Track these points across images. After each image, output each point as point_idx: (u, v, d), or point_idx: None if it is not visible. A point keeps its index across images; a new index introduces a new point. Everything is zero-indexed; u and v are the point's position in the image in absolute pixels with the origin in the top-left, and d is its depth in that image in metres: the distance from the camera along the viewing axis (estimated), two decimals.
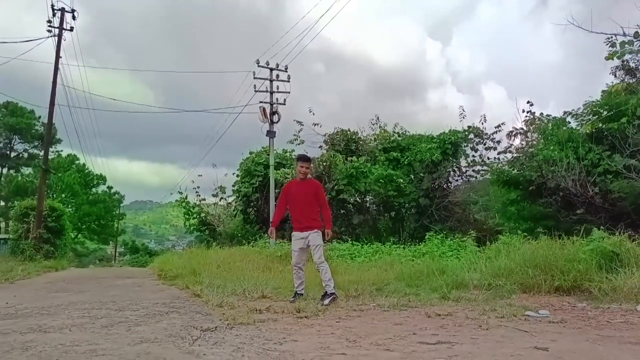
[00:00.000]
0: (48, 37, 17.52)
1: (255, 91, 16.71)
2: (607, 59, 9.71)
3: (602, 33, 10.01)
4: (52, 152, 49.99)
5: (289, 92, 16.94)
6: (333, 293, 5.78)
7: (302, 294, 5.96)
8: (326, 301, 5.56)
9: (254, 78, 16.79)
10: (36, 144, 53.91)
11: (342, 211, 17.90)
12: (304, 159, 6.40)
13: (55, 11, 17.65)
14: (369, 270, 8.43)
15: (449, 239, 11.04)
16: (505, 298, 5.76)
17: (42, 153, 52.71)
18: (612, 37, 10.01)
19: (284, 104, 16.86)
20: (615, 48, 9.30)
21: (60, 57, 17.63)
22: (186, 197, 24.67)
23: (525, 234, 8.49)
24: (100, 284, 8.74)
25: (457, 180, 18.74)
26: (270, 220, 16.27)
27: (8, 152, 53.13)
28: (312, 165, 6.65)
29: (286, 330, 4.09)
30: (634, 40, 9.36)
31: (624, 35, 9.48)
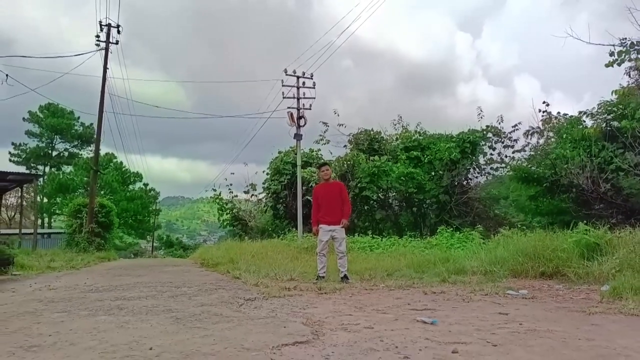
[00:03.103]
0: (96, 50, 19.30)
1: (284, 97, 18.00)
2: (606, 66, 10.51)
3: (599, 44, 10.80)
4: (91, 150, 52.84)
5: (314, 98, 18.17)
6: (346, 275, 7.14)
7: (323, 277, 7.13)
8: (348, 280, 6.99)
9: (282, 86, 18.07)
10: (76, 143, 56.90)
11: (365, 207, 18.94)
12: (322, 164, 7.69)
13: (103, 27, 19.42)
14: (384, 259, 9.53)
15: (459, 233, 11.96)
16: (497, 281, 6.75)
17: (81, 152, 55.69)
18: (625, 41, 10.76)
19: (310, 109, 18.09)
20: (614, 57, 10.12)
21: (108, 69, 19.38)
22: (220, 194, 26.15)
23: (524, 227, 9.36)
24: (153, 271, 10.16)
25: (476, 177, 19.51)
26: (298, 218, 17.50)
27: (50, 152, 56.28)
28: (330, 167, 7.89)
29: (309, 301, 5.25)
30: (630, 50, 10.14)
31: (621, 45, 10.26)
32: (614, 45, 9.79)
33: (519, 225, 10.27)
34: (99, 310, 4.56)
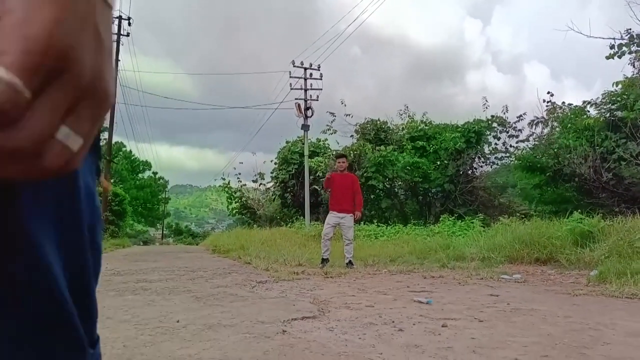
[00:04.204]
0: None
1: (291, 89, 18.38)
2: (607, 58, 10.77)
3: (599, 37, 11.02)
4: (102, 139, 53.56)
5: (321, 89, 18.55)
6: (351, 261, 7.56)
7: (328, 259, 7.57)
8: (353, 266, 7.43)
9: (290, 77, 18.45)
10: None
11: (371, 196, 19.29)
12: (341, 155, 8.23)
13: (113, 19, 19.63)
14: (388, 246, 9.94)
15: (460, 221, 12.32)
16: (493, 267, 7.14)
17: None
18: (628, 32, 10.99)
19: (317, 100, 18.46)
20: (614, 50, 10.37)
21: (119, 61, 19.79)
22: (229, 183, 26.65)
23: (523, 216, 9.71)
24: (168, 257, 10.66)
25: (481, 167, 19.78)
26: (305, 206, 17.96)
27: None
28: (347, 159, 8.39)
29: (316, 284, 5.68)
30: (630, 43, 10.38)
31: (622, 38, 10.50)
32: (614, 39, 10.04)
33: (518, 214, 10.61)
34: (125, 290, 5.02)
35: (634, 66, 16.74)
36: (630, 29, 11.41)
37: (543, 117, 17.65)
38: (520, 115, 18.38)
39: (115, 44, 20.50)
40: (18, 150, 0.29)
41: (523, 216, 9.37)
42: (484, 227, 10.32)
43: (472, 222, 11.35)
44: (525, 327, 3.48)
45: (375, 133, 20.42)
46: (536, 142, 17.58)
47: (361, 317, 3.76)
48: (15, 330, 0.39)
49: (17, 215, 0.38)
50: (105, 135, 21.09)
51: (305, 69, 18.46)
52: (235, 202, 26.19)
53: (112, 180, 51.48)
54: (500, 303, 4.44)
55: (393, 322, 3.60)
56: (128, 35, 20.68)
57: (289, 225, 17.56)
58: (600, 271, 5.59)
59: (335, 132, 21.37)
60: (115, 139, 54.48)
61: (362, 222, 15.75)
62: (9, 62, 0.28)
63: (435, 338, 3.15)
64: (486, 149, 19.03)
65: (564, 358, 2.71)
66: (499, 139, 18.94)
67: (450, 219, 12.85)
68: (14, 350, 0.39)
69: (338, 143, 21.71)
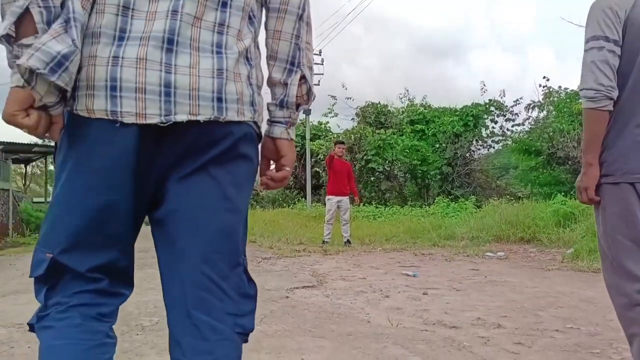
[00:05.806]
0: None
1: None
2: None
3: None
4: None
5: (323, 74, 18.94)
6: (349, 240, 8.10)
7: (328, 242, 8.14)
8: (350, 244, 7.97)
9: None
10: None
11: (371, 178, 19.82)
12: (340, 142, 8.81)
13: None
14: (385, 227, 10.50)
15: (454, 203, 12.86)
16: (480, 245, 7.69)
17: None
18: None
19: (318, 85, 18.83)
20: None
21: None
22: None
23: (512, 198, 10.22)
24: None
25: (479, 150, 20.24)
26: (307, 188, 18.51)
27: None
28: (345, 146, 9.03)
29: (316, 260, 6.26)
30: None
31: None
32: None
33: (508, 196, 11.13)
34: (144, 265, 5.55)
35: None
36: None
37: (539, 101, 18.06)
38: (517, 100, 18.79)
39: None
40: (283, 184, 1.11)
41: (512, 198, 9.88)
42: (476, 209, 10.86)
43: (465, 204, 11.87)
44: (495, 295, 4.04)
45: (375, 116, 20.81)
46: (532, 126, 18.03)
47: (354, 287, 4.33)
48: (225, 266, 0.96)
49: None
50: None
51: None
52: None
53: None
54: (478, 276, 5.00)
55: (381, 290, 4.17)
56: None
57: (291, 206, 18.14)
58: (575, 249, 6.12)
59: (336, 115, 21.82)
60: None
61: (361, 204, 16.28)
62: (288, 167, 1.08)
63: (415, 303, 3.72)
64: (483, 133, 19.47)
65: (520, 318, 3.27)
66: (496, 122, 19.37)
67: (444, 200, 13.37)
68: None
69: (339, 126, 22.15)
